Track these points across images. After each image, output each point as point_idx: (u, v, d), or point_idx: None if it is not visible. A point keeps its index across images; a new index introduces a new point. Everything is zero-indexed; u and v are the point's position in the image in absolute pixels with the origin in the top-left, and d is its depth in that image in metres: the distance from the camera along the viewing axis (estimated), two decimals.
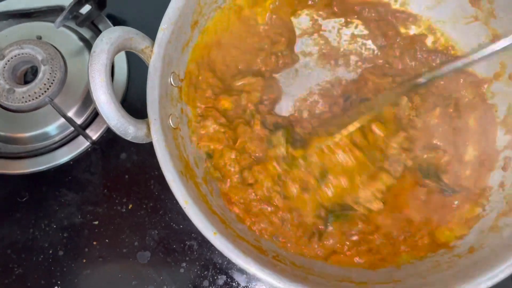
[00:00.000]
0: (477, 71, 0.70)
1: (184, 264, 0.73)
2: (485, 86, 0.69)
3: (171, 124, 0.59)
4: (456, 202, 0.64)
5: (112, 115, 0.51)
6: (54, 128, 0.80)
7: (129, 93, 0.81)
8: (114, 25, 0.86)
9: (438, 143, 0.67)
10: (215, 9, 0.66)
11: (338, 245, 0.62)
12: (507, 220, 0.58)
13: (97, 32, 0.85)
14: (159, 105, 0.56)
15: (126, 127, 0.53)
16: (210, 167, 0.64)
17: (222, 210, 0.60)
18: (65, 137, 0.80)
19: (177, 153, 0.58)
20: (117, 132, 0.53)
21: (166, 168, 0.54)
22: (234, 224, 0.59)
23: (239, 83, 0.69)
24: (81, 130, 0.75)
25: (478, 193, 0.64)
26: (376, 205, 0.62)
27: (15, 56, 0.80)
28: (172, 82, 0.61)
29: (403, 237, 0.62)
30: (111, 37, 0.52)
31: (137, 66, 0.82)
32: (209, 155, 0.65)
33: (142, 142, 0.56)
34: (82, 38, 0.84)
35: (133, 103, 0.80)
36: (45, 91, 0.78)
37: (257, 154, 0.65)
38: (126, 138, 0.54)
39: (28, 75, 0.84)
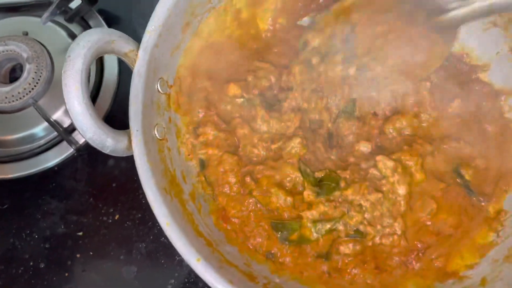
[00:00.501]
0: (494, 81, 0.64)
1: (172, 281, 0.68)
2: (503, 98, 0.63)
3: (157, 135, 0.54)
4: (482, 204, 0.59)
5: (88, 127, 0.46)
6: (39, 130, 0.75)
7: (119, 97, 0.76)
8: (106, 21, 0.81)
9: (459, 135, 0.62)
10: (209, 9, 0.60)
11: (345, 261, 0.57)
12: None
13: (87, 28, 0.80)
14: (142, 115, 0.51)
15: (103, 140, 0.48)
16: (201, 182, 0.59)
17: (210, 230, 0.55)
18: (51, 140, 0.75)
19: (162, 167, 0.53)
20: (94, 145, 0.48)
21: (147, 185, 0.49)
22: (222, 247, 0.54)
23: (257, 63, 0.64)
24: (65, 135, 0.70)
25: (492, 216, 0.59)
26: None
27: None
28: (160, 89, 0.56)
29: (417, 253, 0.57)
30: (89, 40, 0.47)
31: (129, 68, 0.77)
32: (203, 165, 0.60)
33: (122, 155, 0.51)
34: (71, 34, 0.80)
35: (123, 108, 0.75)
36: (29, 91, 0.73)
37: (262, 153, 0.60)
38: (103, 151, 0.49)
39: (17, 71, 0.80)
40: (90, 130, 0.46)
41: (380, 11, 0.62)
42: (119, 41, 0.50)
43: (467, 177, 0.61)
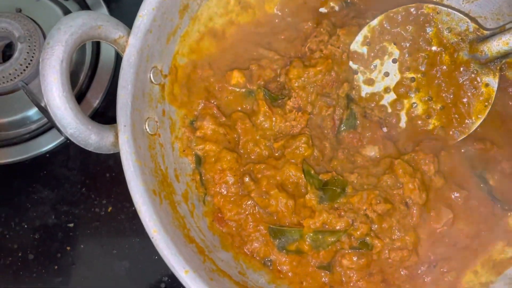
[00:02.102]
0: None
1: (166, 279, 0.65)
2: None
3: (148, 130, 0.50)
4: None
5: (68, 122, 0.42)
6: (31, 114, 0.71)
7: (114, 87, 0.71)
8: None
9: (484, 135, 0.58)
10: None
11: (349, 274, 0.52)
12: None
13: (84, 6, 0.75)
14: (132, 108, 0.47)
15: (86, 136, 0.44)
16: (196, 181, 0.55)
17: (203, 234, 0.51)
18: (43, 126, 0.71)
19: (152, 166, 0.48)
20: (75, 142, 0.44)
21: (135, 187, 0.45)
22: (215, 254, 0.50)
23: (262, 51, 0.60)
24: (55, 122, 0.66)
25: (511, 230, 0.54)
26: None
27: None
28: (153, 79, 0.51)
29: (428, 266, 0.53)
30: (71, 25, 0.42)
31: None
32: (199, 161, 0.56)
33: (108, 153, 0.47)
34: (67, 12, 0.74)
35: None
36: (20, 73, 0.69)
37: (263, 152, 0.56)
38: (87, 148, 0.45)
39: (11, 50, 0.75)
40: (71, 126, 0.42)
41: None
42: (106, 26, 0.45)
43: (491, 182, 0.56)
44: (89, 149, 0.45)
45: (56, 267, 0.66)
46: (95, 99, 0.71)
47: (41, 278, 0.66)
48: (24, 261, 0.67)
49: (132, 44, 0.47)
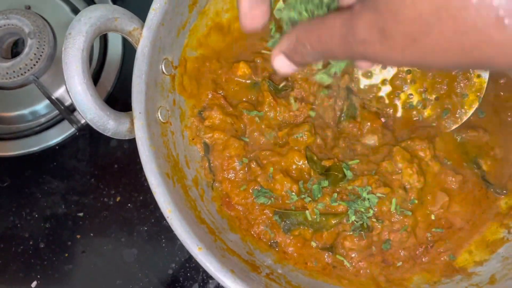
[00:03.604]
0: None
1: (173, 265, 0.67)
2: None
3: (160, 118, 0.52)
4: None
5: (88, 108, 0.45)
6: (40, 108, 0.73)
7: (122, 76, 0.74)
8: None
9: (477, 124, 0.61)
10: None
11: (351, 255, 0.55)
12: None
13: (91, 3, 0.77)
14: (145, 97, 0.49)
15: (105, 122, 0.46)
16: (204, 168, 0.57)
17: (213, 217, 0.54)
18: (53, 118, 0.73)
19: (165, 151, 0.51)
20: (95, 127, 0.46)
21: (150, 170, 0.47)
22: (225, 235, 0.52)
23: (266, 45, 0.62)
24: (66, 113, 0.69)
25: (504, 212, 0.57)
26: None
27: (0, 27, 0.72)
28: (164, 70, 0.53)
29: (425, 247, 0.56)
30: (91, 17, 0.45)
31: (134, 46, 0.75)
32: (207, 149, 0.58)
33: (124, 138, 0.49)
34: (74, 9, 0.77)
35: (127, 88, 0.73)
36: (31, 67, 0.71)
37: (269, 140, 0.59)
38: (105, 133, 0.47)
39: (19, 46, 0.78)
40: (91, 111, 0.45)
41: None
42: (122, 18, 0.48)
43: (484, 167, 0.59)
44: (107, 134, 0.47)
45: (66, 254, 0.68)
46: (104, 90, 0.73)
47: (52, 266, 0.68)
48: (36, 249, 0.69)
49: (146, 36, 0.50)
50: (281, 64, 0.34)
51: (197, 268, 0.67)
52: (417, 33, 0.24)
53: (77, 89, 0.44)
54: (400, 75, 0.61)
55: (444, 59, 0.24)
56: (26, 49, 0.72)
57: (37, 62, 0.72)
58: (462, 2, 0.22)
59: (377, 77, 0.62)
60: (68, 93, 0.44)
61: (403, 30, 0.24)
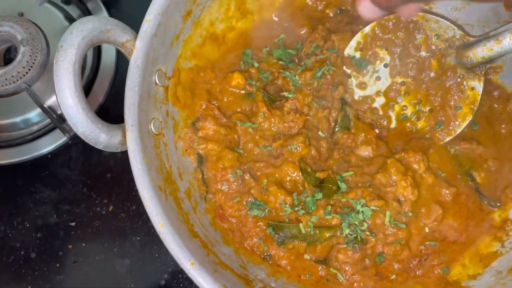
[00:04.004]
0: (506, 84, 0.61)
1: (166, 276, 0.67)
2: None
3: (153, 129, 0.52)
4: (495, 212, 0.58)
5: (80, 121, 0.44)
6: (33, 116, 0.73)
7: (116, 86, 0.73)
8: (104, 4, 0.77)
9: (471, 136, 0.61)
10: None
11: (344, 268, 0.55)
12: None
13: (85, 11, 0.77)
14: (138, 109, 0.49)
15: (96, 135, 0.46)
16: (198, 180, 0.57)
17: (206, 230, 0.53)
18: (45, 126, 0.73)
19: (157, 163, 0.51)
20: (86, 140, 0.46)
21: (142, 183, 0.47)
22: (218, 248, 0.52)
23: (261, 55, 0.63)
24: (59, 122, 0.68)
25: (497, 225, 0.57)
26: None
27: None
28: (157, 81, 0.53)
29: (419, 259, 0.55)
30: (83, 29, 0.44)
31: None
32: (201, 160, 0.58)
33: (116, 151, 0.49)
34: (68, 17, 0.76)
35: (120, 98, 0.73)
36: (23, 75, 0.71)
37: (263, 151, 0.59)
38: (97, 146, 0.47)
39: (12, 53, 0.77)
40: (82, 125, 0.44)
41: None
42: (115, 30, 0.48)
43: (478, 179, 0.59)
44: (99, 147, 0.47)
45: (58, 265, 0.68)
46: (96, 100, 0.72)
47: (43, 276, 0.67)
48: (27, 259, 0.68)
49: (139, 48, 0.49)
50: (367, 9, 0.33)
51: (190, 279, 0.66)
52: None
53: (68, 102, 0.43)
54: (394, 87, 0.61)
55: None
56: (19, 57, 0.71)
57: (29, 69, 0.71)
58: None
59: (371, 88, 0.62)
60: (59, 106, 0.43)
61: None
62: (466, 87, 0.59)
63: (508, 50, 0.52)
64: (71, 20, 0.76)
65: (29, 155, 0.71)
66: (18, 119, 0.73)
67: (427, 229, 0.56)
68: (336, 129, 0.61)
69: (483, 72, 0.58)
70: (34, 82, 0.71)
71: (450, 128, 0.60)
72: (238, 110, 0.60)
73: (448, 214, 0.57)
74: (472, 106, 0.59)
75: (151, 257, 0.67)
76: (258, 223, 0.56)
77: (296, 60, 0.63)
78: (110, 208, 0.70)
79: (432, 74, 0.60)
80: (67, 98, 0.43)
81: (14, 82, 0.71)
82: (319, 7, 0.65)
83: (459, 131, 0.59)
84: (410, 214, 0.56)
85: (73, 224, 0.69)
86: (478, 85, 0.58)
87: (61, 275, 0.67)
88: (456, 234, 0.56)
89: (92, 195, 0.70)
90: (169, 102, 0.55)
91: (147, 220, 0.69)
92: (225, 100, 0.60)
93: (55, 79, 0.43)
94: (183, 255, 0.45)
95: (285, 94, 0.60)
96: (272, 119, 0.59)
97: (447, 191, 0.57)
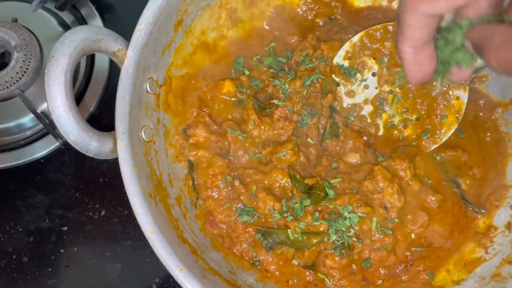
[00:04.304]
0: (491, 93, 0.63)
1: (157, 280, 0.68)
2: (499, 110, 0.62)
3: (144, 137, 0.53)
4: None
5: (71, 129, 0.45)
6: (26, 121, 0.73)
7: (108, 93, 0.74)
8: (98, 11, 0.78)
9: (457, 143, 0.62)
10: (204, 7, 0.58)
11: (332, 274, 0.56)
12: None
13: (79, 17, 0.78)
14: (129, 117, 0.50)
15: (87, 143, 0.46)
16: (188, 186, 0.58)
17: (195, 236, 0.54)
18: (38, 131, 0.73)
19: (147, 171, 0.51)
20: (77, 148, 0.47)
21: (132, 191, 0.48)
22: (207, 254, 0.53)
23: (252, 63, 0.64)
24: (51, 128, 0.69)
25: (482, 232, 0.58)
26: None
27: None
28: (149, 89, 0.54)
29: (405, 265, 0.57)
30: (74, 39, 0.45)
31: None
32: (192, 167, 0.59)
33: (107, 158, 0.49)
34: (62, 23, 0.77)
35: (113, 106, 0.73)
36: (17, 81, 0.71)
37: (252, 158, 0.60)
38: (87, 154, 0.48)
39: (6, 57, 0.77)
40: (73, 133, 0.45)
41: None
42: (107, 39, 0.48)
43: (464, 186, 0.60)
44: (90, 155, 0.48)
45: (50, 269, 0.68)
46: (88, 107, 0.73)
47: (35, 280, 0.68)
48: (19, 264, 0.69)
49: (131, 57, 0.50)
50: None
51: None
52: None
53: (60, 111, 0.44)
54: (381, 95, 0.62)
55: None
56: (12, 62, 0.72)
57: (23, 75, 0.72)
58: None
59: (359, 97, 0.63)
60: (50, 114, 0.44)
61: None
62: (452, 96, 0.60)
63: None
64: (65, 26, 0.77)
65: (22, 159, 0.72)
66: (11, 124, 0.73)
67: (413, 235, 0.57)
68: (325, 136, 0.62)
69: (468, 82, 0.59)
70: (27, 88, 0.72)
71: (436, 136, 0.61)
72: (229, 117, 0.61)
73: (434, 220, 0.58)
74: (457, 115, 0.60)
75: (143, 262, 0.68)
76: (248, 229, 0.57)
77: (286, 68, 0.64)
78: (102, 213, 0.70)
79: None
80: (58, 106, 0.44)
81: (7, 87, 0.71)
82: (309, 17, 0.66)
83: (444, 139, 0.60)
84: (397, 220, 0.57)
85: (65, 228, 0.70)
86: (463, 95, 0.59)
87: (53, 279, 0.68)
88: (441, 240, 0.58)
89: (85, 199, 0.71)
90: (160, 109, 0.56)
91: (138, 225, 0.70)
92: (216, 107, 0.61)
93: (47, 88, 0.44)
94: (172, 262, 0.46)
95: (275, 101, 0.61)
96: (262, 127, 0.60)
97: (433, 198, 0.58)
